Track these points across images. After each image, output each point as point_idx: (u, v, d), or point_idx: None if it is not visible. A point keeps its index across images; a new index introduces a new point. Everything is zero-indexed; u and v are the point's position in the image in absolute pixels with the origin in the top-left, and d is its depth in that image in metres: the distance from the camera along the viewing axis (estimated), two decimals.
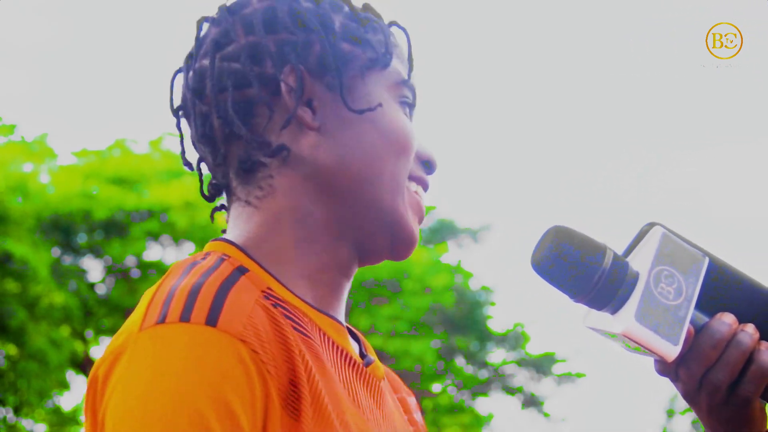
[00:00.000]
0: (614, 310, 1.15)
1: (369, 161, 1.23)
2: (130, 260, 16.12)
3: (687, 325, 1.14)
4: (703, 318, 1.18)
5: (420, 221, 1.27)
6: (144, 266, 16.19)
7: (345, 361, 1.20)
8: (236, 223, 1.25)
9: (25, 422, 16.16)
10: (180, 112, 1.32)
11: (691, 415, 23.63)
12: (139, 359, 1.04)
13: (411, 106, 1.29)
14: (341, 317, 1.26)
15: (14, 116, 29.02)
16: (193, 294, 1.07)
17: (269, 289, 1.16)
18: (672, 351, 1.13)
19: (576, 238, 1.14)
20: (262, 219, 1.24)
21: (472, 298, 19.42)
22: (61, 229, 15.56)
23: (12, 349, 15.11)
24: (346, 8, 1.29)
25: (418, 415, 1.39)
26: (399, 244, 1.25)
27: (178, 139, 1.33)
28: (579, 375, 20.46)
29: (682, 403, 23.92)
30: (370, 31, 1.28)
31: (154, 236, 16.04)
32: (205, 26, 1.31)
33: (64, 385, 16.24)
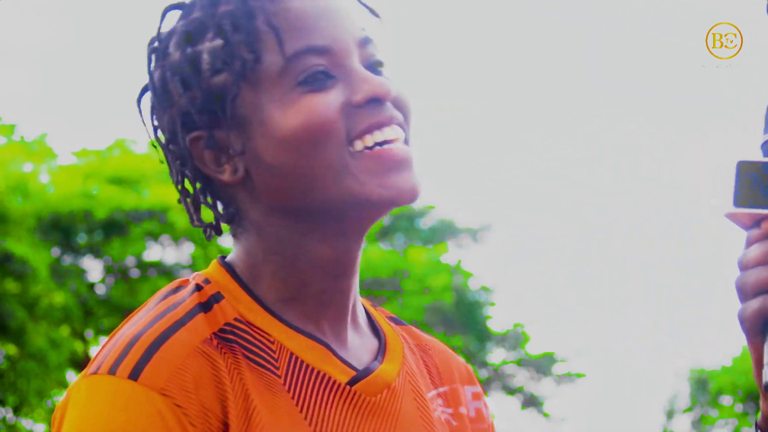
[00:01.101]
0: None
1: (293, 175, 1.17)
2: (129, 260, 16.12)
3: (762, 208, 1.09)
4: None
5: (396, 169, 1.17)
6: (144, 266, 16.20)
7: (320, 385, 1.19)
8: (233, 246, 1.26)
9: (24, 422, 16.16)
10: None
11: (691, 415, 23.63)
12: (73, 406, 1.12)
13: (321, 68, 1.17)
14: (337, 328, 1.24)
15: (14, 116, 29.02)
16: (129, 346, 1.12)
17: (236, 319, 1.18)
18: (725, 206, 1.11)
19: None
20: (244, 247, 1.24)
21: (471, 298, 19.41)
22: (61, 229, 15.56)
23: (12, 349, 15.11)
24: (211, 19, 1.19)
25: (466, 408, 1.35)
26: (382, 209, 1.19)
27: None
28: (579, 375, 20.46)
29: (682, 403, 23.91)
30: (231, 34, 1.18)
31: (154, 236, 16.05)
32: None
33: (63, 385, 16.23)
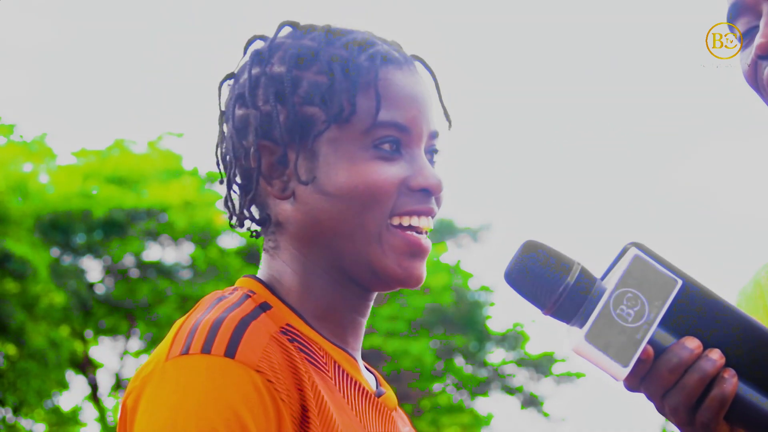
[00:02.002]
0: (581, 325, 1.17)
1: (334, 221, 1.30)
2: (129, 260, 16.12)
3: (641, 347, 1.14)
4: (671, 341, 1.18)
5: (415, 255, 1.33)
6: (143, 266, 16.19)
7: (358, 391, 1.31)
8: (263, 261, 1.37)
9: (24, 422, 16.16)
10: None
11: None
12: (165, 386, 1.17)
13: (396, 141, 1.31)
14: (356, 351, 1.36)
15: (14, 116, 29.03)
16: (215, 328, 1.20)
17: (288, 325, 1.28)
18: (620, 372, 1.15)
19: (543, 252, 1.19)
20: (277, 266, 1.34)
21: (471, 298, 19.41)
22: (61, 229, 15.56)
23: (11, 349, 15.11)
24: (324, 56, 1.32)
25: None
26: (390, 283, 1.33)
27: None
28: (579, 375, 20.44)
29: None
30: (339, 81, 1.30)
31: (153, 236, 16.04)
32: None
33: (63, 385, 16.24)
